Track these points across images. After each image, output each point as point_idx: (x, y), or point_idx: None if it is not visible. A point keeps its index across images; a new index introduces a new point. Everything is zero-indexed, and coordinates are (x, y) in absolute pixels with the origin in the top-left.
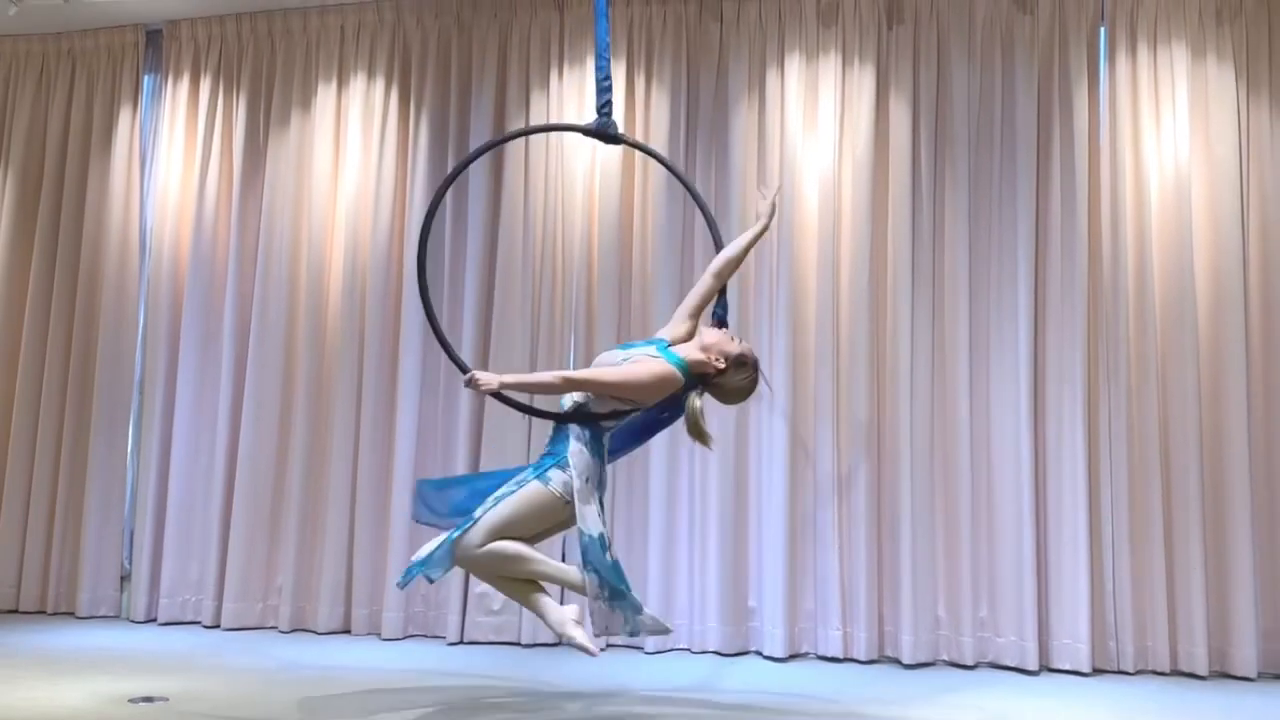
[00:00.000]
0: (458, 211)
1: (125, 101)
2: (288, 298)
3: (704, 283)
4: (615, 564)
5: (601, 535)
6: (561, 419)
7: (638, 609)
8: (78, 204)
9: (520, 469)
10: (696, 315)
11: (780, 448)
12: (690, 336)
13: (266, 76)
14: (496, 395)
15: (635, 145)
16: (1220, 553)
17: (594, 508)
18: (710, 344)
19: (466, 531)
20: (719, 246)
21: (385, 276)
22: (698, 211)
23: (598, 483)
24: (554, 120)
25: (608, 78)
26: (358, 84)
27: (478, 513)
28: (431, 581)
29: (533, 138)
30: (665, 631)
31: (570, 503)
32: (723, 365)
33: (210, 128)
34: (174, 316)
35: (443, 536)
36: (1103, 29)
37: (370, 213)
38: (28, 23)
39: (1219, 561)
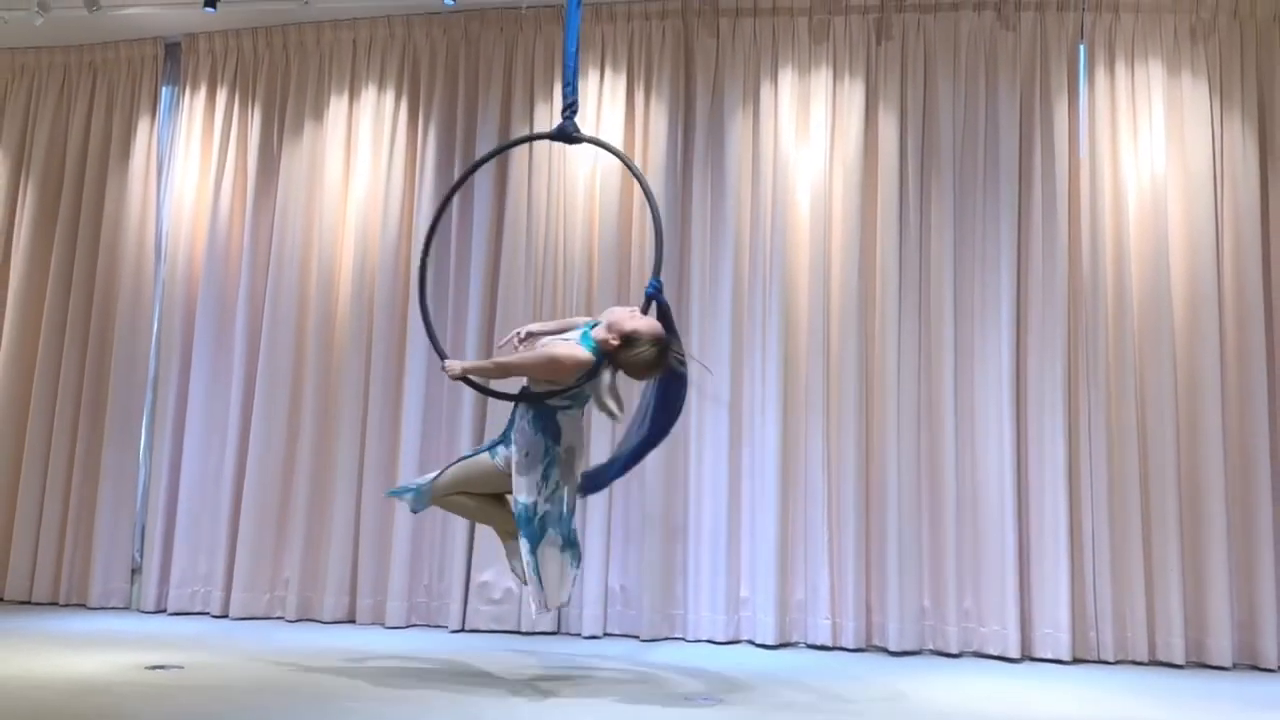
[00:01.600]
0: (463, 217)
1: (144, 112)
2: (298, 302)
3: None
4: (539, 526)
5: (532, 504)
6: (511, 399)
7: (537, 575)
8: (96, 211)
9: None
10: None
11: (772, 446)
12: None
13: (281, 88)
14: (464, 379)
15: (595, 142)
16: (1196, 547)
17: (529, 478)
18: (610, 322)
19: (435, 479)
20: (659, 239)
21: (393, 281)
22: (693, 217)
23: (540, 456)
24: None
25: (569, 83)
26: (368, 96)
27: (448, 466)
28: (414, 512)
29: (536, 146)
30: (545, 608)
31: (507, 473)
32: (616, 341)
33: (226, 138)
34: (187, 319)
35: (429, 475)
36: (1082, 46)
37: (379, 220)
38: (52, 34)
39: (1195, 555)
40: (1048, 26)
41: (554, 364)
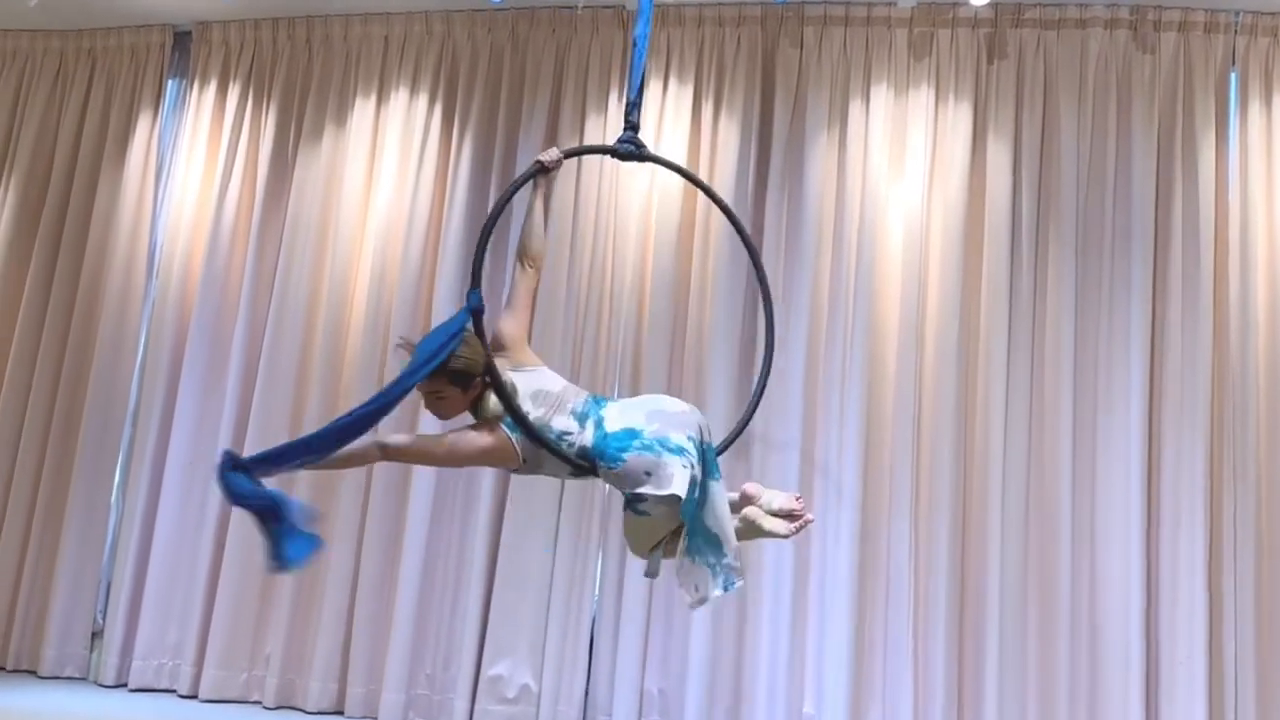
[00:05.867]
0: (498, 236)
1: (145, 107)
2: (303, 332)
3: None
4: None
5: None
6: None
7: None
8: (84, 215)
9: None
10: None
11: (848, 533)
12: None
13: (300, 87)
14: None
15: (661, 162)
16: None
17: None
18: None
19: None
20: (762, 282)
21: (412, 317)
22: (766, 249)
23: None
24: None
25: (635, 88)
26: (398, 100)
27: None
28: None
29: (585, 160)
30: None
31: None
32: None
33: (235, 139)
34: (177, 345)
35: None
36: (1233, 74)
37: (401, 244)
38: (49, 17)
39: None
40: (1193, 49)
41: None
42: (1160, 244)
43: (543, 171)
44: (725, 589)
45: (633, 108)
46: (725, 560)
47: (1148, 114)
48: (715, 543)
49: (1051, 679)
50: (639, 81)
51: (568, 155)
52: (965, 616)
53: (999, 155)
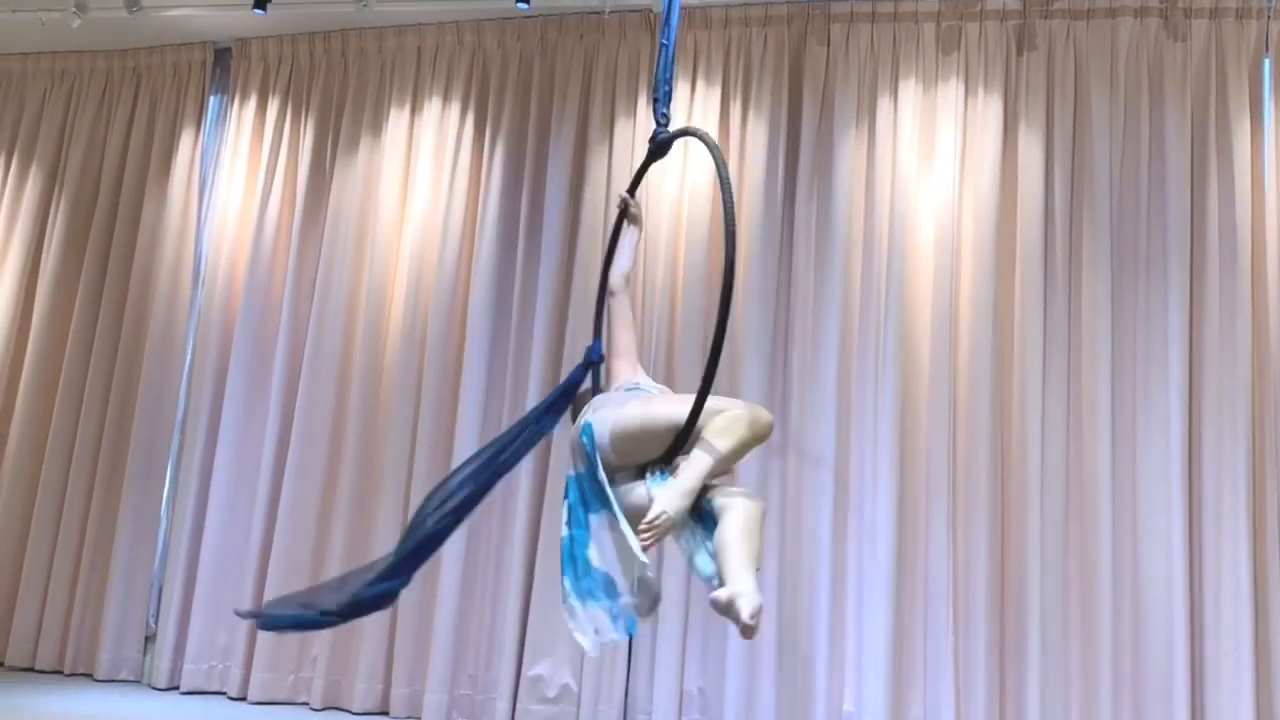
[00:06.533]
0: (530, 235)
1: (188, 123)
2: (343, 339)
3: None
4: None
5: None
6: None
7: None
8: (131, 230)
9: None
10: None
11: (885, 530)
12: None
13: (337, 99)
14: None
15: (684, 133)
16: None
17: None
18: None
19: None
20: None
21: (448, 320)
22: (796, 250)
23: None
24: (636, 155)
25: (663, 84)
26: (432, 109)
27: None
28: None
29: (616, 155)
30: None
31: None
32: None
33: (275, 152)
34: (222, 354)
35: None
36: (1267, 61)
37: (436, 250)
38: (95, 38)
39: None
40: (1225, 36)
41: None
42: (1196, 234)
43: (624, 214)
44: (628, 632)
45: (661, 101)
46: (620, 600)
47: (1180, 103)
48: (605, 581)
49: (1094, 673)
50: (669, 74)
51: (632, 190)
52: (1005, 613)
53: (1030, 148)
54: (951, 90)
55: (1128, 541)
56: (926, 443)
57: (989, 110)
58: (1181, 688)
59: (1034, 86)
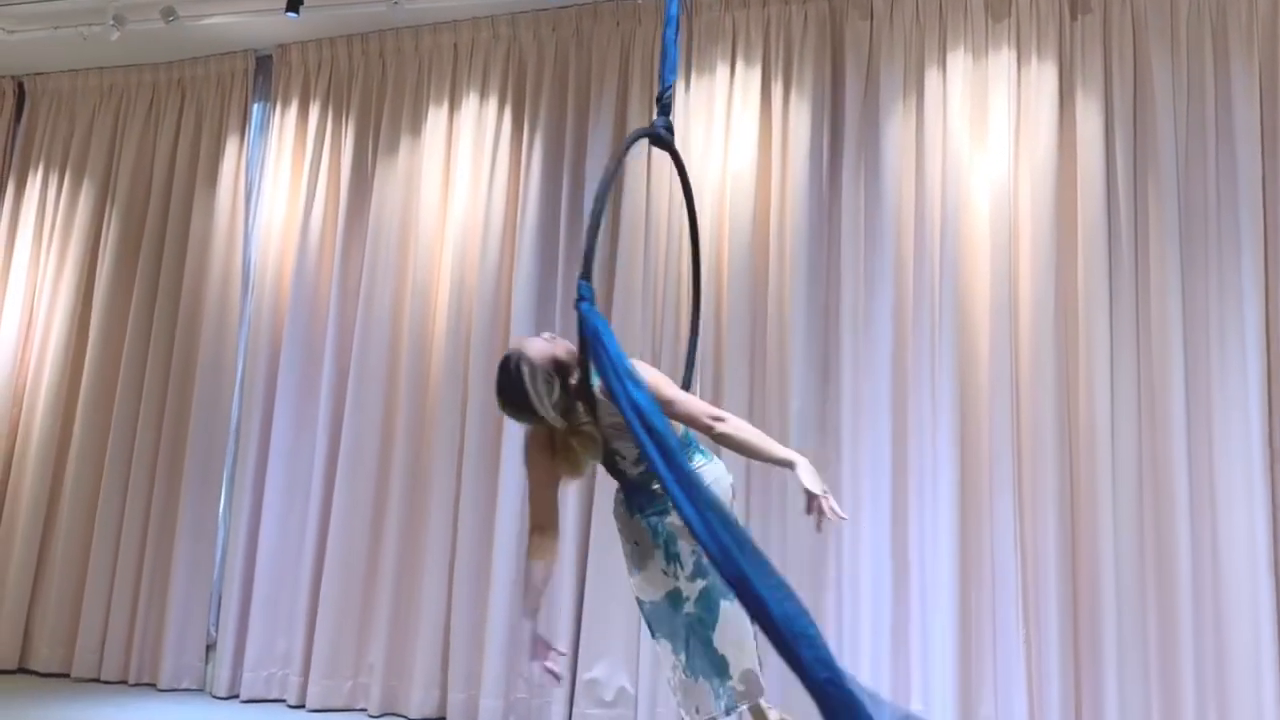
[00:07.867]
0: (571, 229)
1: (233, 131)
2: (389, 339)
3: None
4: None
5: (639, 600)
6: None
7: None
8: (181, 239)
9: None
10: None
11: (947, 523)
12: None
13: (376, 99)
14: None
15: (677, 163)
16: None
17: (634, 578)
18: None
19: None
20: (696, 261)
21: (492, 319)
22: (843, 233)
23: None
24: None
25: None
26: (469, 105)
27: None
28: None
29: (655, 155)
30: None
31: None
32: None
33: (318, 156)
34: (272, 361)
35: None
36: None
37: (478, 247)
38: (140, 52)
39: None
40: None
41: None
42: (1269, 197)
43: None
44: (727, 713)
45: (665, 91)
46: (729, 683)
47: (1247, 60)
48: (719, 665)
49: (1175, 668)
50: (673, 61)
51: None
52: (1079, 604)
53: (1089, 115)
54: (1003, 59)
55: (1207, 531)
56: (989, 429)
57: (1043, 78)
58: (1270, 678)
59: (1090, 51)
